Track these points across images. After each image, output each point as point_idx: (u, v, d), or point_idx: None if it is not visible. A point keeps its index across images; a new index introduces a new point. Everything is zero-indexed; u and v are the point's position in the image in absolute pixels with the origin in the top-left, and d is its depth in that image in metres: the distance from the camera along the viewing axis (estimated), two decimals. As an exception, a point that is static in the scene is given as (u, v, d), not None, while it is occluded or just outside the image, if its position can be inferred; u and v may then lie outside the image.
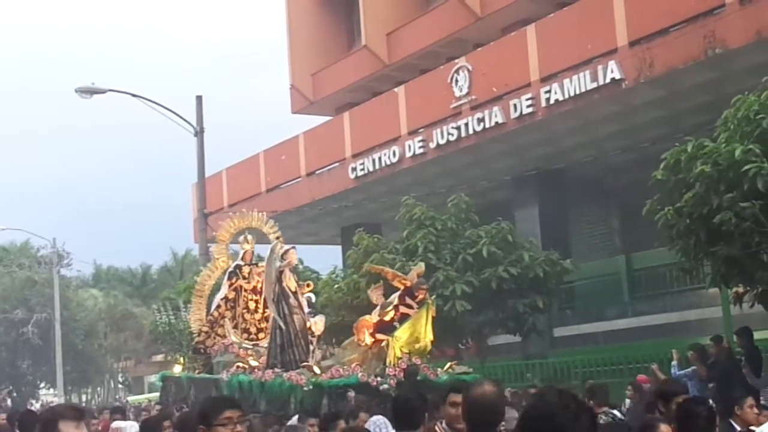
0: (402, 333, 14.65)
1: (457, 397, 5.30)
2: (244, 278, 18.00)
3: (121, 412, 15.17)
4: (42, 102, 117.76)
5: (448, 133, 23.68)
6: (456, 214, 20.27)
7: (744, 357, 14.31)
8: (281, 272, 15.77)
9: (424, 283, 15.42)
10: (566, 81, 20.78)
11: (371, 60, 30.50)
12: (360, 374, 14.17)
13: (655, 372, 14.76)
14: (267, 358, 16.09)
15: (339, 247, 30.59)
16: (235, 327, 17.80)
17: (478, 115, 22.88)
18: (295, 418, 9.50)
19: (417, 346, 14.62)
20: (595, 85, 20.20)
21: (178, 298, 25.93)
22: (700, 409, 5.91)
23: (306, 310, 16.18)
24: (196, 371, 18.51)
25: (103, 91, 26.25)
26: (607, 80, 19.93)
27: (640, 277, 24.86)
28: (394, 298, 15.19)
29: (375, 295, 15.74)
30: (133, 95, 26.23)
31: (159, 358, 41.74)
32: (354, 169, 26.80)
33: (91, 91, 26.07)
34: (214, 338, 17.92)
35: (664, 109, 20.63)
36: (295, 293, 15.93)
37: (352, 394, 13.30)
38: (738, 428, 7.18)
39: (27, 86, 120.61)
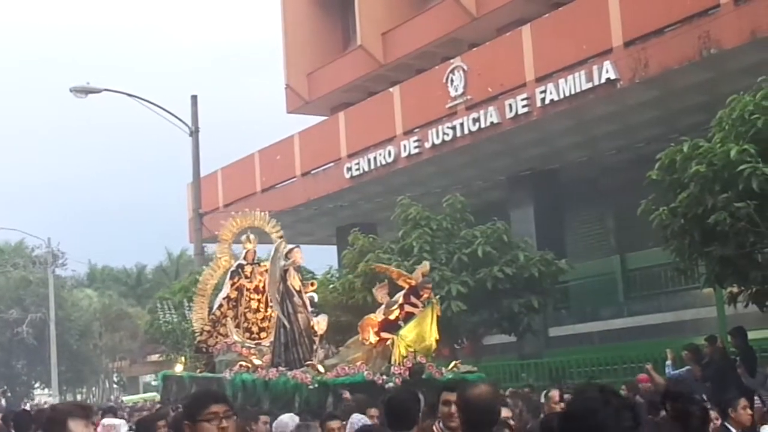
0: (407, 332, 14.71)
1: (451, 396, 5.31)
2: (247, 277, 18.00)
3: (113, 412, 15.15)
4: (38, 102, 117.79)
5: (444, 133, 23.68)
6: (451, 214, 20.29)
7: (738, 357, 14.32)
8: (286, 271, 15.83)
9: (429, 282, 15.49)
10: (561, 81, 20.80)
11: (366, 60, 30.49)
12: (365, 372, 14.21)
13: (650, 372, 14.76)
14: (271, 357, 16.12)
15: (334, 247, 30.60)
16: (238, 326, 17.81)
17: (474, 115, 22.89)
18: (287, 416, 9.49)
19: (422, 344, 14.68)
20: (590, 85, 20.21)
21: (173, 298, 25.91)
22: (694, 408, 5.92)
23: (309, 309, 16.25)
24: (198, 370, 18.50)
25: (98, 91, 26.24)
26: (602, 80, 19.95)
27: (635, 277, 24.88)
28: (399, 296, 15.24)
29: (380, 294, 15.78)
30: (129, 95, 26.24)
31: (154, 358, 41.71)
32: (349, 169, 26.79)
33: (86, 91, 26.06)
34: (217, 337, 17.93)
35: (659, 109, 20.66)
36: (299, 292, 15.99)
37: (347, 395, 13.31)
38: (734, 431, 7.17)
39: (24, 86, 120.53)
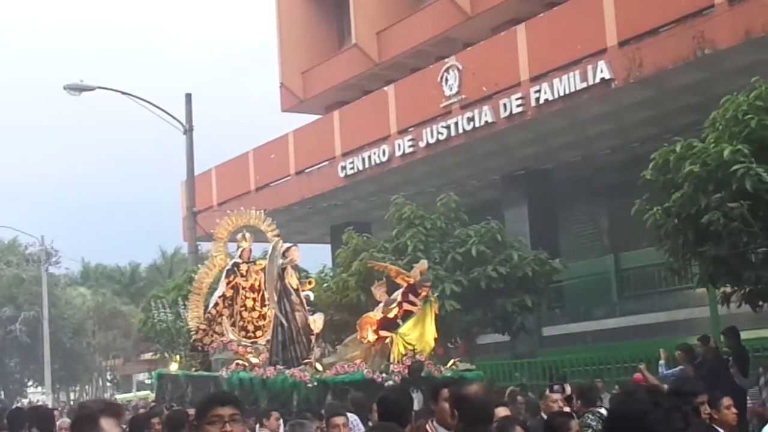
0: (407, 330, 14.73)
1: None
2: (242, 276, 18.00)
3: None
4: (33, 100, 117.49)
5: (438, 133, 23.67)
6: (445, 213, 20.29)
7: (731, 357, 14.35)
8: (284, 269, 15.84)
9: (428, 280, 15.51)
10: (556, 81, 20.80)
11: (361, 59, 30.47)
12: (365, 371, 14.22)
13: (644, 372, 14.77)
14: (269, 355, 16.14)
15: (328, 246, 30.56)
16: (233, 325, 17.81)
17: (468, 114, 22.88)
18: (279, 415, 9.46)
19: (422, 343, 14.70)
20: (584, 85, 20.22)
21: (167, 297, 25.88)
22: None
23: (306, 307, 16.25)
24: (193, 369, 18.48)
25: (92, 89, 26.20)
26: (597, 80, 19.96)
27: (628, 277, 24.90)
28: (398, 295, 15.25)
29: (378, 292, 15.79)
30: (122, 93, 26.19)
31: (148, 356, 41.70)
32: (343, 168, 26.77)
33: (79, 89, 26.01)
34: (212, 336, 17.92)
35: (653, 109, 20.68)
36: (296, 290, 16.03)
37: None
38: (721, 431, 7.17)
39: (19, 84, 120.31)
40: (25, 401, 46.21)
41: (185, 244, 30.96)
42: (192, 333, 18.73)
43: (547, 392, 11.72)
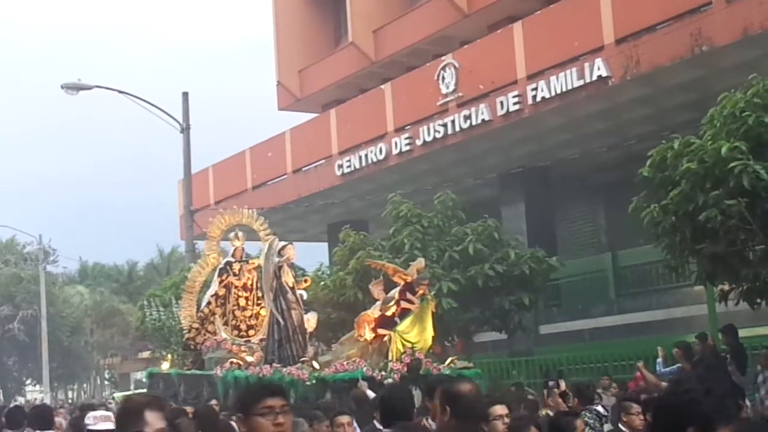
0: (405, 328, 14.71)
1: None
2: (235, 275, 17.96)
3: (92, 409, 15.04)
4: (29, 100, 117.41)
5: (435, 131, 23.64)
6: (442, 211, 20.26)
7: (729, 355, 14.32)
8: (280, 268, 15.81)
9: (425, 278, 15.51)
10: (553, 78, 20.76)
11: (358, 57, 30.44)
12: (365, 368, 14.19)
13: (641, 370, 14.74)
14: (265, 354, 16.10)
15: (325, 244, 30.53)
16: (226, 324, 17.77)
17: (465, 112, 22.85)
18: None
19: (420, 340, 14.69)
20: (581, 82, 20.18)
21: (164, 295, 25.84)
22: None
23: (302, 306, 16.24)
24: (186, 367, 18.43)
25: (89, 88, 26.15)
26: (594, 78, 19.92)
27: (626, 275, 24.89)
28: (395, 293, 15.23)
29: (376, 290, 15.78)
30: (120, 91, 26.14)
31: (146, 354, 41.62)
32: (340, 167, 26.73)
33: (77, 87, 25.96)
34: (205, 335, 17.88)
35: (651, 106, 20.65)
36: (292, 289, 15.98)
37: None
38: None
39: (15, 84, 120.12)
40: (23, 400, 46.23)
41: (183, 242, 30.93)
42: (185, 332, 18.69)
43: (553, 392, 11.74)
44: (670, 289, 22.03)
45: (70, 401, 46.28)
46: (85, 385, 58.10)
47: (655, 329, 21.27)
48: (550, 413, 10.82)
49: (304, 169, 28.84)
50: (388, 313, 15.10)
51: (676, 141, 12.28)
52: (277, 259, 15.84)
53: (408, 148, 24.54)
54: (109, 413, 6.50)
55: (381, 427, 6.43)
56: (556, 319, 24.88)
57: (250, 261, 18.13)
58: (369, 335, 15.05)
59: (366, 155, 25.82)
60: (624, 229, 21.87)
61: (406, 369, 14.14)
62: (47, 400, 38.85)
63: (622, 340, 21.75)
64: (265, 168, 30.23)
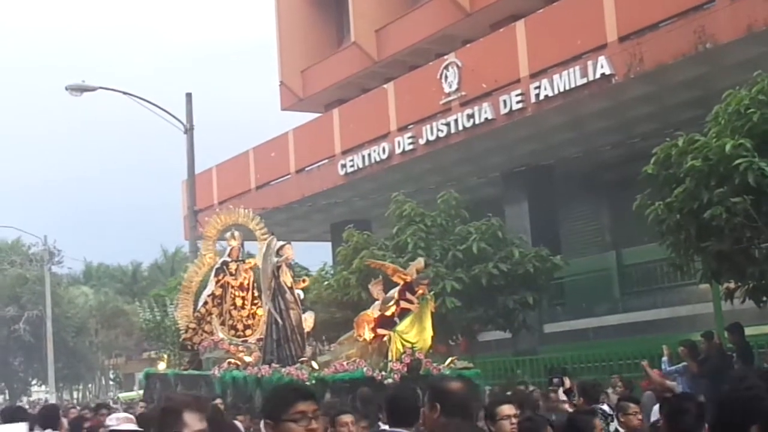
0: (405, 328, 14.65)
1: None
2: (231, 275, 17.92)
3: (106, 408, 15.02)
4: (34, 102, 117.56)
5: (438, 130, 23.60)
6: (446, 210, 20.22)
7: (735, 353, 14.25)
8: (278, 267, 15.75)
9: (425, 278, 15.42)
10: (556, 77, 20.71)
11: (360, 56, 30.41)
12: (365, 369, 14.15)
13: (646, 369, 14.68)
14: (263, 354, 16.04)
15: (329, 244, 30.51)
16: (222, 324, 17.72)
17: (468, 111, 22.81)
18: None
19: (419, 340, 14.63)
20: (584, 80, 20.13)
21: (169, 295, 25.83)
22: (689, 404, 5.82)
23: (300, 306, 16.18)
24: (182, 368, 18.39)
25: (93, 89, 26.10)
26: (597, 76, 19.87)
27: (630, 273, 24.82)
28: (394, 292, 15.17)
29: (375, 290, 15.71)
30: (124, 93, 26.08)
31: (151, 354, 41.66)
32: (343, 166, 26.70)
33: (81, 89, 25.91)
34: (201, 335, 17.84)
35: (654, 104, 20.59)
36: (291, 289, 15.91)
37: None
38: None
39: (21, 87, 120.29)
40: (30, 399, 46.32)
41: (186, 243, 30.87)
42: (181, 332, 18.66)
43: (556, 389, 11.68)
44: (675, 288, 21.96)
45: (75, 401, 46.30)
46: (90, 386, 58.18)
47: (660, 328, 21.20)
48: (555, 411, 10.79)
49: (307, 168, 28.82)
50: (388, 313, 15.02)
51: (681, 138, 12.22)
52: (275, 259, 15.77)
53: (411, 147, 24.50)
54: (131, 416, 6.50)
55: (388, 428, 6.39)
56: (561, 318, 24.82)
57: (247, 261, 18.11)
58: (368, 335, 15.00)
59: (369, 155, 25.79)
60: (628, 227, 21.82)
61: (405, 369, 14.06)
62: (53, 401, 38.86)
63: (626, 339, 21.67)
64: (268, 168, 30.22)
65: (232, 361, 16.28)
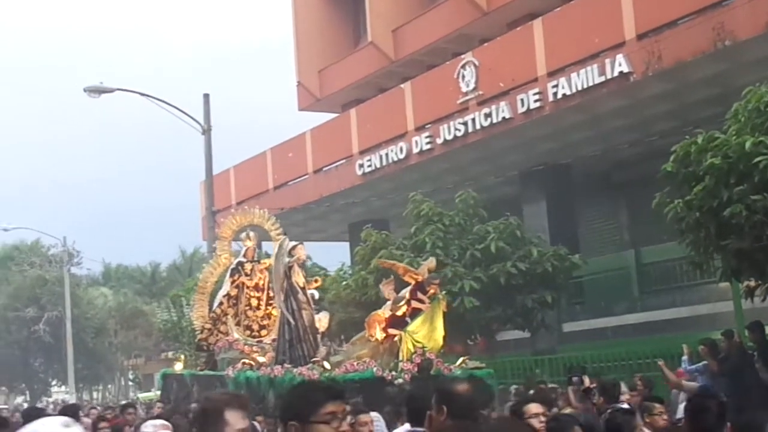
0: (416, 328, 14.63)
1: None
2: (246, 275, 17.98)
3: (132, 407, 15.08)
4: (54, 105, 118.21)
5: (455, 129, 23.58)
6: (464, 209, 20.21)
7: (756, 352, 14.16)
8: (290, 268, 15.76)
9: (436, 278, 15.40)
10: (573, 75, 20.65)
11: (377, 56, 30.43)
12: (375, 369, 14.14)
13: (662, 369, 14.60)
14: (276, 354, 16.06)
15: (347, 244, 30.54)
16: (238, 324, 17.79)
17: (485, 110, 22.78)
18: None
19: (431, 341, 14.61)
20: (602, 78, 20.07)
21: (187, 296, 25.92)
22: (711, 403, 5.80)
23: (312, 306, 16.19)
24: (198, 368, 18.45)
25: (111, 91, 26.20)
26: (615, 74, 19.80)
27: (649, 272, 24.71)
28: (406, 292, 15.15)
29: (387, 290, 15.70)
30: (141, 94, 26.18)
31: (169, 355, 41.83)
32: (361, 166, 26.73)
33: (99, 91, 26.02)
34: (217, 335, 17.91)
35: (673, 102, 20.50)
36: (303, 289, 15.92)
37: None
38: None
39: (40, 90, 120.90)
40: (50, 400, 46.57)
41: (205, 243, 30.97)
42: (197, 332, 18.71)
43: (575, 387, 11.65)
44: (695, 286, 21.85)
45: (94, 402, 46.52)
46: (110, 386, 58.44)
47: (680, 326, 21.10)
48: (570, 409, 10.74)
49: (324, 169, 28.86)
50: (399, 313, 15.02)
51: (700, 136, 12.16)
52: (287, 260, 15.79)
53: (428, 146, 24.49)
54: (168, 423, 6.51)
55: (410, 427, 6.40)
56: (579, 317, 24.75)
57: (262, 261, 18.14)
58: (380, 335, 14.99)
59: (386, 154, 25.80)
60: (647, 225, 21.73)
61: (416, 369, 14.05)
62: (73, 401, 39.08)
63: (645, 338, 21.57)
64: (286, 168, 30.27)
65: (246, 361, 16.34)
